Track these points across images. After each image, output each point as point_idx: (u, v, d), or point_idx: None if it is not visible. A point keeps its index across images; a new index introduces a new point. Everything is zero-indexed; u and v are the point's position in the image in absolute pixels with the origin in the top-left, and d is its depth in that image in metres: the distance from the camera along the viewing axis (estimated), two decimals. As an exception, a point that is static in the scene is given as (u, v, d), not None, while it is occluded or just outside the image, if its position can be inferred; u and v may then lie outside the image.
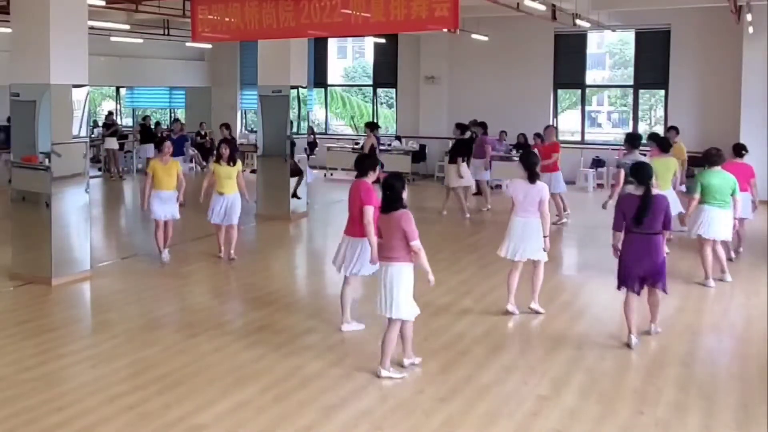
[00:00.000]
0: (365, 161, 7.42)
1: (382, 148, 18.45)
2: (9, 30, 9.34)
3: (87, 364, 6.56)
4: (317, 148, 19.39)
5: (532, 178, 7.75)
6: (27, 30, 8.93)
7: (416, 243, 6.13)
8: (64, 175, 9.09)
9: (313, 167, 17.05)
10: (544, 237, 7.74)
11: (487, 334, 7.37)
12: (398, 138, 20.11)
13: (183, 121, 21.95)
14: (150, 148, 19.13)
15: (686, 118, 16.46)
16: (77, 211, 9.31)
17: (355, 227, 7.16)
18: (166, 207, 10.12)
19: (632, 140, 10.69)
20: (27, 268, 9.17)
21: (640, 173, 7.08)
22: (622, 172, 9.72)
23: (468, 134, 14.63)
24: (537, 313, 7.99)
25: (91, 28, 10.64)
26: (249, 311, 8.34)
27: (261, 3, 9.39)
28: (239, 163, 10.53)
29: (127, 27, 16.85)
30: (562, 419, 5.56)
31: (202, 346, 7.08)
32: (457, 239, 12.27)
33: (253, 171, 16.09)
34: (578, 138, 19.41)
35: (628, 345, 6.99)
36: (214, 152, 11.56)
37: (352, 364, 6.57)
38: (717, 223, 9.03)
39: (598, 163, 18.10)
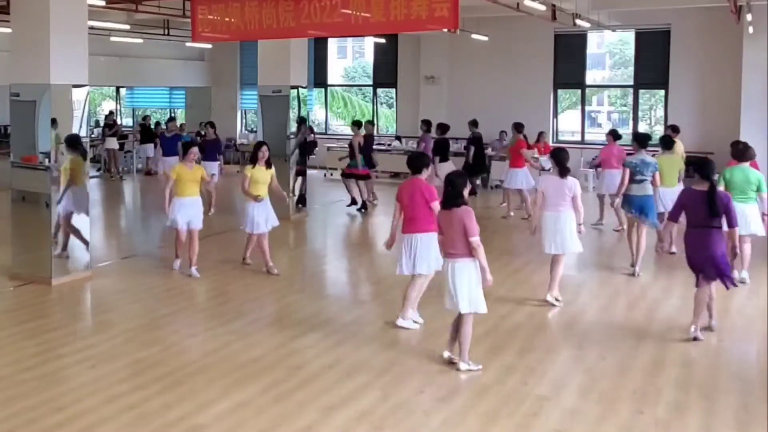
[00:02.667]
0: (419, 159, 7.55)
1: (381, 147, 18.49)
2: (9, 30, 9.35)
3: (87, 364, 6.55)
4: (317, 148, 19.40)
5: (563, 173, 8.12)
6: (27, 30, 8.93)
7: (475, 239, 6.24)
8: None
9: (312, 167, 17.03)
10: (578, 224, 8.16)
11: (487, 334, 7.37)
12: (398, 138, 20.12)
13: (183, 121, 21.66)
14: (150, 148, 19.14)
15: (686, 118, 16.44)
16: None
17: (418, 224, 7.30)
18: (189, 213, 9.54)
19: (641, 140, 10.62)
20: (27, 268, 9.17)
21: (704, 169, 7.16)
22: (628, 171, 9.74)
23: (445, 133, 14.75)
24: (550, 304, 8.27)
25: (91, 28, 10.64)
26: (249, 311, 8.32)
27: (261, 3, 9.39)
28: (273, 167, 9.83)
29: (127, 27, 16.86)
30: (562, 419, 5.56)
31: (202, 346, 7.09)
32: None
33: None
34: (578, 138, 19.41)
35: (695, 338, 7.13)
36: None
37: (352, 364, 6.58)
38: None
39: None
